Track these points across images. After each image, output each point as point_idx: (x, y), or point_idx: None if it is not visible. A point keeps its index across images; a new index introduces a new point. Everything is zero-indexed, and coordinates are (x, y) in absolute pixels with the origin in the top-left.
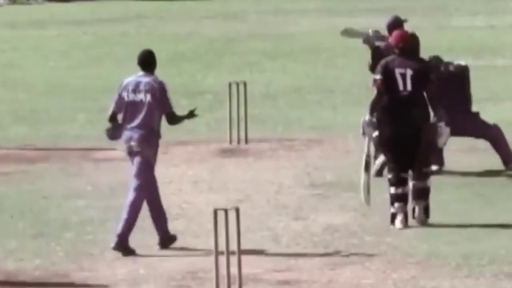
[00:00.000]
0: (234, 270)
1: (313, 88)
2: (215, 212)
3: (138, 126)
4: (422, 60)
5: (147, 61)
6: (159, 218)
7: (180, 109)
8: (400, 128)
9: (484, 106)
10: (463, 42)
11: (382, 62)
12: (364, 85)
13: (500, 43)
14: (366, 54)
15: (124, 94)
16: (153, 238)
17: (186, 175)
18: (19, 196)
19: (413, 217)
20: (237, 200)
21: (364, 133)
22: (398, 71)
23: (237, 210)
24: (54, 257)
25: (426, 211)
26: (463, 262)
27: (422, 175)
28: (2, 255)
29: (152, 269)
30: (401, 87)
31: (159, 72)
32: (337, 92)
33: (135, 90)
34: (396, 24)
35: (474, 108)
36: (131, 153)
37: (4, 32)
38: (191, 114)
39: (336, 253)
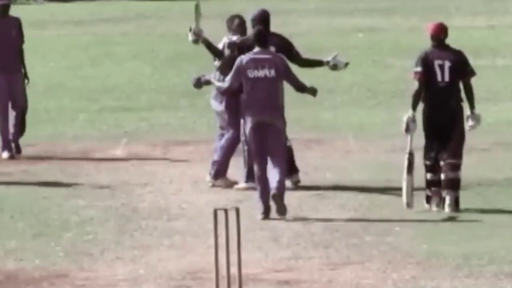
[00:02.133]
0: (234, 270)
1: None
2: (215, 212)
3: (266, 101)
4: (458, 51)
5: (263, 37)
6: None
7: (180, 109)
8: (438, 118)
9: (484, 106)
10: (463, 42)
11: (421, 54)
12: (364, 85)
13: (500, 43)
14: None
15: (248, 72)
16: (153, 238)
17: (186, 175)
18: (19, 196)
19: (442, 207)
20: (237, 200)
21: (407, 130)
22: (437, 63)
23: (237, 210)
24: (54, 257)
25: (456, 201)
26: (463, 262)
27: (454, 167)
28: (2, 255)
29: (152, 269)
30: (439, 78)
31: (159, 71)
32: (337, 92)
33: (258, 66)
34: (265, 17)
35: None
36: (259, 125)
37: None
38: (313, 91)
39: (336, 253)
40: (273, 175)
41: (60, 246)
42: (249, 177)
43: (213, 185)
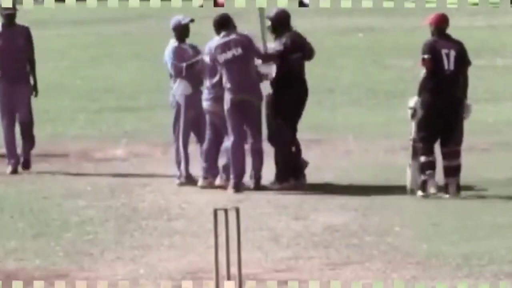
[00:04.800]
0: (234, 270)
1: (313, 88)
2: (215, 212)
3: (241, 79)
4: (459, 42)
5: (226, 21)
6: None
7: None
8: (443, 105)
9: (484, 106)
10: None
11: (428, 42)
12: (364, 85)
13: (500, 43)
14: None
15: (218, 57)
16: (153, 238)
17: None
18: (19, 196)
19: (446, 192)
20: (237, 200)
21: (413, 116)
22: (443, 52)
23: (237, 210)
24: (54, 257)
25: (458, 186)
26: (463, 262)
27: (456, 154)
28: (2, 255)
29: (152, 269)
30: (446, 66)
31: (159, 71)
32: (337, 92)
33: (225, 49)
34: (287, 17)
35: (475, 108)
36: (239, 103)
37: None
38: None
39: (336, 253)
40: (253, 157)
41: (60, 246)
42: (278, 178)
43: (202, 187)
